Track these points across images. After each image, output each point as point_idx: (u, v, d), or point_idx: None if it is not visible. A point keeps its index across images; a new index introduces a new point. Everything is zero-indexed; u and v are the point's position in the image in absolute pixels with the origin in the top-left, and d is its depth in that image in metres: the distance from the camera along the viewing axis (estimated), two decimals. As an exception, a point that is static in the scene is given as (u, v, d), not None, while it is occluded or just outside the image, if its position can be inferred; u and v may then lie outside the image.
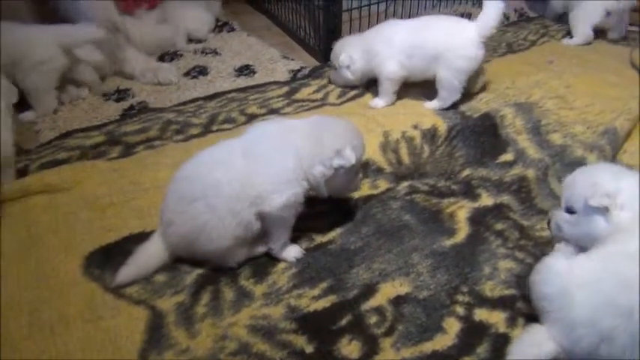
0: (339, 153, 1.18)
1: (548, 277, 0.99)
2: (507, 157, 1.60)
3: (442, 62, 1.75)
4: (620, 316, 0.89)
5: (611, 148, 1.55)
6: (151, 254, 1.19)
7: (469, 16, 2.75)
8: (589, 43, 2.41)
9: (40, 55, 1.78)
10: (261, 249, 1.23)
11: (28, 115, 1.83)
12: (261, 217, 1.17)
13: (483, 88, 1.92)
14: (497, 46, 2.40)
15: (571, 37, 2.46)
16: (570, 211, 1.12)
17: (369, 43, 1.86)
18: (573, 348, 0.93)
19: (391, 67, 1.81)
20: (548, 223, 1.19)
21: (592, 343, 0.91)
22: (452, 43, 1.73)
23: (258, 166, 1.15)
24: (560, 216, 1.15)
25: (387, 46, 1.81)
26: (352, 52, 1.90)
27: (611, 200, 1.03)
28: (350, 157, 1.18)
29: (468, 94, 1.84)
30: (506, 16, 2.78)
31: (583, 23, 2.41)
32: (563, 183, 1.18)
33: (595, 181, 1.07)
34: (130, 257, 1.17)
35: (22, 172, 1.49)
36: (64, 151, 1.59)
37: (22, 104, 1.82)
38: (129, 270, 1.16)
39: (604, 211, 1.05)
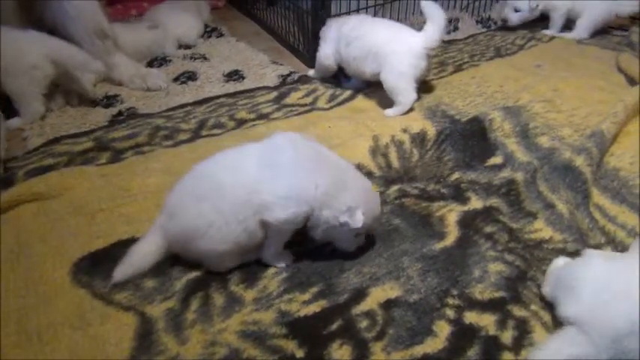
0: (350, 210, 1.13)
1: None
2: (496, 160, 1.61)
3: (385, 66, 1.82)
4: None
5: (599, 151, 1.56)
6: (146, 251, 1.18)
7: (457, 21, 2.78)
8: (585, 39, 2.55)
9: (28, 62, 1.76)
10: (252, 256, 1.22)
11: (14, 122, 1.81)
12: (263, 225, 1.15)
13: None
14: (485, 50, 2.42)
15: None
16: None
17: (331, 24, 1.99)
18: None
19: (325, 51, 1.97)
20: None
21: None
22: (395, 47, 1.80)
23: (269, 175, 1.13)
24: None
25: (336, 29, 1.93)
26: (324, 30, 2.03)
27: None
28: (358, 221, 1.13)
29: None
30: (493, 21, 2.81)
31: (592, 21, 2.53)
32: None
33: None
34: (124, 256, 1.17)
35: (8, 179, 1.48)
36: (51, 158, 1.58)
37: (10, 110, 1.81)
38: (125, 268, 1.15)
39: None
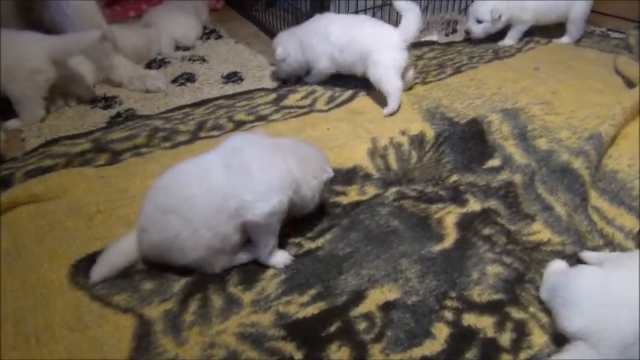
0: (323, 168, 1.29)
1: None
2: (494, 162, 1.61)
3: (371, 63, 1.89)
4: None
5: (597, 154, 1.56)
6: (122, 252, 1.19)
7: (455, 23, 2.78)
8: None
9: (30, 66, 1.75)
10: (245, 257, 1.22)
11: (13, 123, 1.81)
12: (245, 227, 1.17)
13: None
14: (483, 52, 2.42)
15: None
16: None
17: (306, 36, 2.00)
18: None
19: (324, 63, 2.00)
20: None
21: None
22: (377, 44, 1.88)
23: (242, 176, 1.15)
24: None
25: (322, 40, 1.96)
26: (288, 46, 2.03)
27: None
28: (331, 171, 1.32)
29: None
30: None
31: (580, 22, 2.54)
32: None
33: None
34: (101, 255, 1.18)
35: (7, 180, 1.48)
36: (50, 159, 1.58)
37: (8, 111, 1.81)
38: (101, 268, 1.16)
39: None
